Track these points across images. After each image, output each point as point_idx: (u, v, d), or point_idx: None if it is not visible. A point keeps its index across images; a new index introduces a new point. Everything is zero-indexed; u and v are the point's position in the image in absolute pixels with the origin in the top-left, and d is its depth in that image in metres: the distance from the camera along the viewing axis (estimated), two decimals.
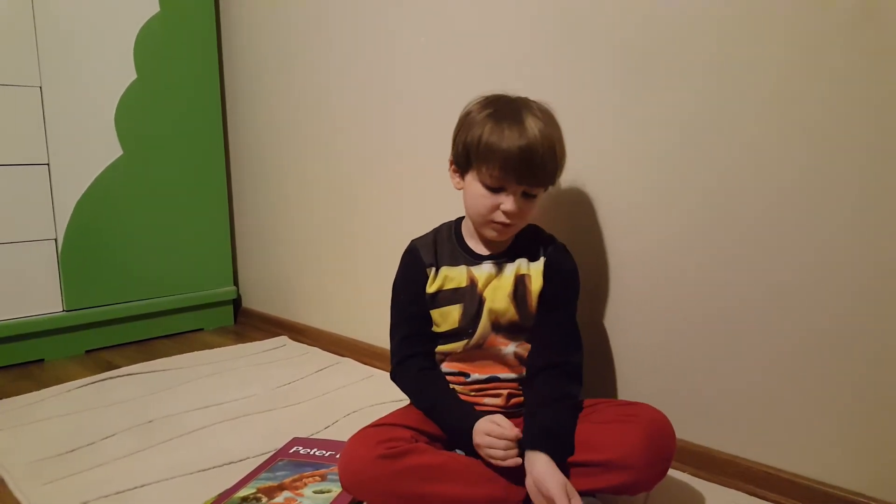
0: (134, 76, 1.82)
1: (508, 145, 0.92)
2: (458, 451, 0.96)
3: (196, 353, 1.77)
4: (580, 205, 1.19)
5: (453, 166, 1.03)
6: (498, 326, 1.01)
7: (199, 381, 1.53)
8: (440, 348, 1.05)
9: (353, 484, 0.87)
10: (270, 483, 1.01)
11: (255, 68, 1.96)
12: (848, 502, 0.93)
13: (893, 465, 0.90)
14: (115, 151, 1.81)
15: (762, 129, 0.96)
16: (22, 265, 1.67)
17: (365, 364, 1.66)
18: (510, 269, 1.02)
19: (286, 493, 0.98)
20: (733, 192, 1.00)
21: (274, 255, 2.02)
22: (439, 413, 0.98)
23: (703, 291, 1.06)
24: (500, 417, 0.90)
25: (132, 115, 1.83)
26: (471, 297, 1.02)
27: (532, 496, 0.85)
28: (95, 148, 1.78)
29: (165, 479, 1.06)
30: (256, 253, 2.11)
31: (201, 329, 2.07)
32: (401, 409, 1.04)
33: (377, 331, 1.66)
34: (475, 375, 1.03)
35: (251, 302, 2.17)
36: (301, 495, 0.97)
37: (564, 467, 0.85)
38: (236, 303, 2.19)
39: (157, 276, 1.94)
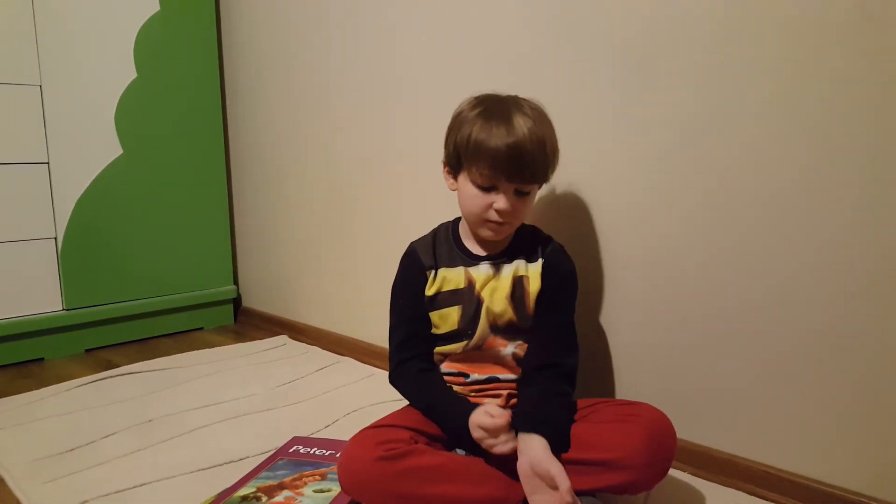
0: (134, 75, 1.82)
1: (496, 143, 0.91)
2: (458, 451, 0.96)
3: (196, 352, 1.77)
4: (580, 205, 1.19)
5: (446, 168, 1.04)
6: (496, 328, 1.01)
7: (199, 380, 1.53)
8: (439, 349, 1.05)
9: (353, 486, 0.87)
10: (270, 482, 1.01)
11: (256, 67, 1.96)
12: (848, 502, 0.93)
13: (893, 464, 0.90)
14: (115, 150, 1.81)
15: (762, 129, 0.96)
16: (22, 264, 1.67)
17: (365, 363, 1.67)
18: (508, 270, 1.02)
19: (286, 493, 0.98)
20: (733, 192, 1.00)
21: (274, 255, 2.02)
22: (436, 411, 0.98)
23: (702, 291, 1.06)
24: (491, 406, 0.90)
25: (132, 114, 1.83)
26: (469, 299, 1.02)
27: (524, 478, 0.84)
28: (95, 147, 1.78)
29: (165, 478, 1.06)
30: (256, 252, 2.11)
31: (201, 328, 2.07)
32: (400, 409, 1.04)
33: (377, 330, 1.66)
34: (475, 376, 1.03)
35: (251, 301, 2.17)
36: (301, 494, 0.97)
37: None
38: (236, 302, 2.19)
39: (157, 275, 1.94)
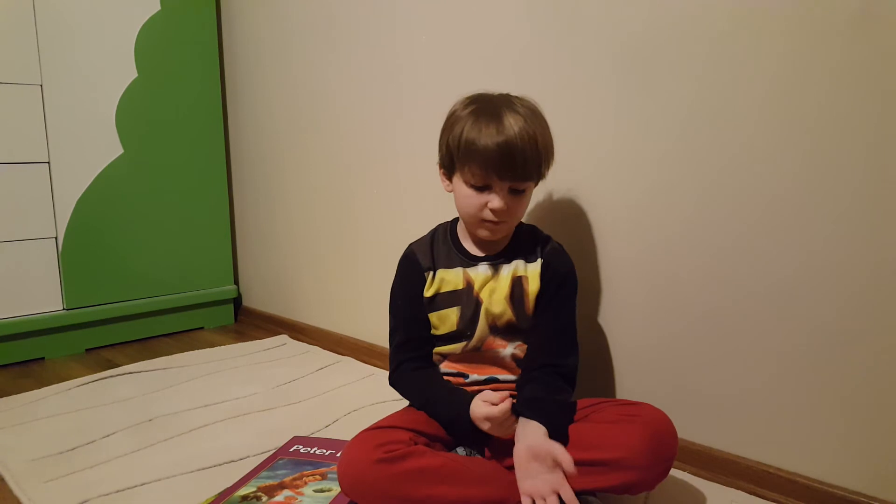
0: (135, 74, 1.82)
1: (486, 143, 0.91)
2: (458, 451, 0.96)
3: (196, 351, 1.77)
4: (580, 205, 1.19)
5: (442, 170, 1.03)
6: (495, 328, 1.01)
7: (199, 379, 1.53)
8: (439, 349, 1.05)
9: (353, 488, 0.87)
10: (271, 482, 1.01)
11: (256, 67, 1.96)
12: (848, 502, 0.93)
13: (893, 464, 0.90)
14: (115, 150, 1.81)
15: (761, 129, 0.96)
16: (22, 263, 1.67)
17: (365, 363, 1.67)
18: (507, 271, 1.02)
19: (286, 492, 0.98)
20: (732, 192, 1.00)
21: (274, 254, 2.02)
22: (434, 406, 0.98)
23: (703, 291, 1.06)
24: (487, 394, 0.91)
25: (133, 113, 1.83)
26: (468, 300, 1.02)
27: (520, 463, 0.85)
28: (96, 146, 1.78)
29: (166, 477, 1.06)
30: (257, 251, 2.11)
31: (202, 328, 2.07)
32: (400, 410, 1.04)
33: (377, 330, 1.66)
34: (474, 376, 1.03)
35: (252, 301, 2.17)
36: (301, 494, 0.97)
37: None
38: (237, 301, 2.19)
39: (158, 275, 1.94)
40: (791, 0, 0.91)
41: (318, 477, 1.02)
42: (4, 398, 1.41)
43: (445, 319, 1.02)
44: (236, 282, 2.18)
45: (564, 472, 0.83)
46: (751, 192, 0.98)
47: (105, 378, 1.54)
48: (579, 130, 1.17)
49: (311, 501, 0.95)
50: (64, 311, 1.75)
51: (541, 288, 1.01)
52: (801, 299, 0.95)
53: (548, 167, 1.00)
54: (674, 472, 1.04)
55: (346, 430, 1.20)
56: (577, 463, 0.86)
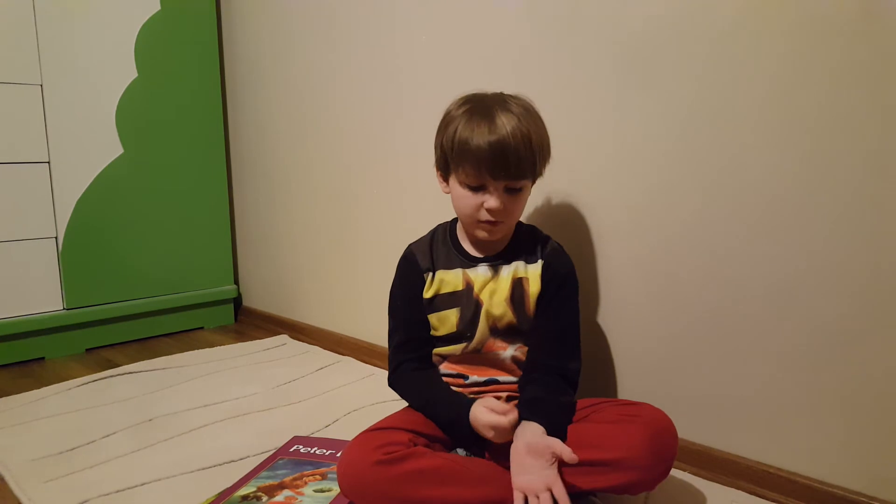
0: (135, 74, 1.82)
1: (478, 142, 0.91)
2: (458, 451, 0.96)
3: (196, 351, 1.77)
4: (581, 207, 1.19)
5: (439, 171, 1.03)
6: (496, 330, 1.01)
7: (199, 379, 1.53)
8: (438, 350, 1.05)
9: (352, 490, 0.87)
10: (271, 482, 1.01)
11: (256, 66, 1.96)
12: (848, 502, 0.93)
13: (893, 464, 0.90)
14: (115, 150, 1.81)
15: (762, 130, 0.96)
16: (22, 263, 1.67)
17: (365, 363, 1.67)
18: (507, 272, 1.02)
19: (286, 492, 0.98)
20: (732, 192, 1.00)
21: (274, 254, 2.02)
22: (433, 408, 0.98)
23: (703, 291, 1.06)
24: (490, 401, 0.91)
25: (133, 113, 1.83)
26: (467, 301, 1.01)
27: (516, 458, 0.85)
28: (96, 146, 1.78)
29: (166, 477, 1.06)
30: (257, 251, 2.11)
31: (202, 328, 2.07)
32: (399, 411, 1.03)
33: (377, 329, 1.66)
34: (474, 378, 1.03)
35: (252, 300, 2.17)
36: (301, 494, 0.97)
37: (559, 465, 0.85)
38: (237, 301, 2.19)
39: (158, 275, 1.94)
40: (792, 0, 0.91)
41: (318, 477, 1.02)
42: (4, 398, 1.41)
43: (445, 321, 1.02)
44: (236, 282, 2.18)
45: (566, 463, 0.83)
46: (751, 193, 0.98)
47: (105, 378, 1.54)
48: (579, 130, 1.17)
49: (312, 501, 0.95)
50: (64, 310, 1.75)
51: (541, 289, 1.01)
52: (801, 299, 0.95)
53: (544, 165, 1.00)
54: (674, 472, 1.04)
55: (347, 430, 1.20)
56: (578, 462, 0.86)
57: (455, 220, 1.08)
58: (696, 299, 1.06)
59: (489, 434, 0.89)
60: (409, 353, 1.04)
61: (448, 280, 1.03)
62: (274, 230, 2.01)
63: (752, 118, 0.97)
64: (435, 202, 1.41)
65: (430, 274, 1.04)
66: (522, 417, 0.89)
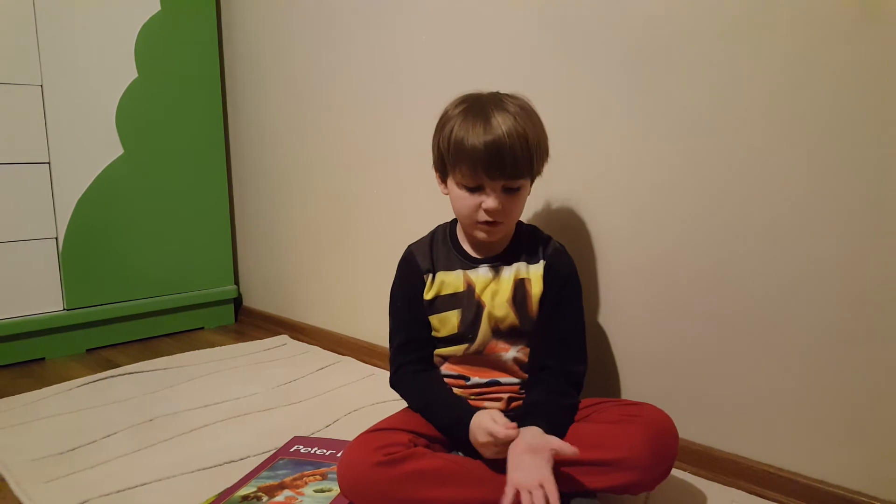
0: (135, 75, 1.82)
1: (474, 142, 0.91)
2: (457, 452, 0.96)
3: (197, 351, 1.77)
4: (582, 209, 1.19)
5: (437, 173, 1.03)
6: (498, 332, 1.01)
7: (199, 379, 1.53)
8: (440, 351, 1.04)
9: (352, 491, 0.87)
10: (271, 482, 1.01)
11: (257, 67, 1.96)
12: (848, 502, 0.93)
13: (893, 464, 0.90)
14: (115, 150, 1.81)
15: (766, 132, 0.96)
16: (23, 264, 1.67)
17: (365, 363, 1.67)
18: (508, 273, 1.01)
19: (287, 492, 0.98)
20: (735, 195, 1.00)
21: (275, 254, 2.02)
22: (433, 410, 0.98)
23: (705, 293, 1.05)
24: (497, 413, 0.89)
25: (133, 113, 1.83)
26: (468, 302, 1.01)
27: (514, 455, 0.83)
28: (96, 146, 1.78)
29: (166, 477, 1.06)
30: (257, 251, 2.11)
31: (202, 328, 2.07)
32: (400, 411, 1.03)
33: (377, 330, 1.66)
34: (475, 379, 1.02)
35: (252, 301, 2.17)
36: (302, 494, 0.97)
37: (560, 465, 0.85)
38: (237, 301, 2.19)
39: (158, 275, 1.94)
40: (795, 1, 0.91)
41: (318, 477, 1.02)
42: (5, 398, 1.42)
43: (446, 322, 1.02)
44: (236, 282, 2.18)
45: (566, 462, 0.83)
46: (754, 195, 0.98)
47: (105, 378, 1.54)
48: (580, 132, 1.17)
49: (312, 501, 0.95)
50: (64, 311, 1.75)
51: (544, 290, 1.00)
52: (802, 301, 0.95)
53: (542, 164, 0.99)
54: (674, 472, 1.03)
55: (347, 431, 1.20)
56: (578, 463, 0.86)
57: (455, 221, 1.08)
58: (698, 301, 1.06)
59: (484, 439, 0.88)
60: (410, 354, 1.04)
61: (449, 281, 1.02)
62: (274, 230, 2.01)
63: (754, 120, 0.97)
64: (435, 202, 1.41)
65: (431, 275, 1.03)
66: (522, 423, 0.88)
